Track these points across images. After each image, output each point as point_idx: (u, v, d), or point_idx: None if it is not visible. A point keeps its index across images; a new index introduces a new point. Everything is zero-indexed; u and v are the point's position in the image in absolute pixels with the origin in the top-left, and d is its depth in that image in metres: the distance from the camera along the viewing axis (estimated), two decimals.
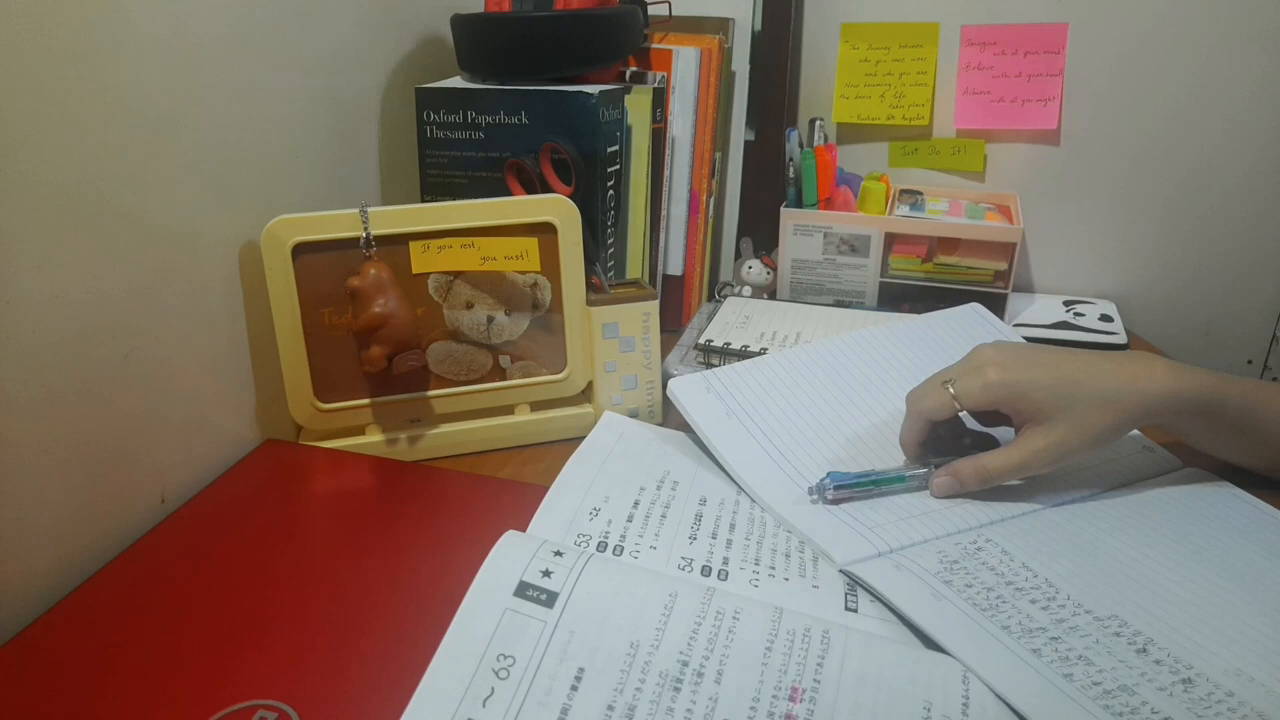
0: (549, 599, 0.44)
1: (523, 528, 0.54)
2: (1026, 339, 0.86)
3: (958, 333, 0.76)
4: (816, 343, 0.74)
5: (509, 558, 0.46)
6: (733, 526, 0.56)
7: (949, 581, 0.50)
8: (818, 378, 0.71)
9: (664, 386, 0.70)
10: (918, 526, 0.56)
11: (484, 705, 0.39)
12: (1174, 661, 0.44)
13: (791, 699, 0.41)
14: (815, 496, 0.59)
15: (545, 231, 0.67)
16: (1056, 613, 0.48)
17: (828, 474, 0.59)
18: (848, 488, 0.58)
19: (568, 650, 0.42)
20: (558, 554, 0.46)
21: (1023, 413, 0.57)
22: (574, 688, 0.41)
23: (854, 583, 0.51)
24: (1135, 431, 0.65)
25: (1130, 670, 0.44)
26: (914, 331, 0.76)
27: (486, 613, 0.43)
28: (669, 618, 0.44)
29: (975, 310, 0.78)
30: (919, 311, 0.86)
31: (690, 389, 0.68)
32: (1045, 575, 0.51)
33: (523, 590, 0.44)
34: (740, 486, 0.61)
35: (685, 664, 0.42)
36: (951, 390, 0.58)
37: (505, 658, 0.41)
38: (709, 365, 0.77)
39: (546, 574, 0.45)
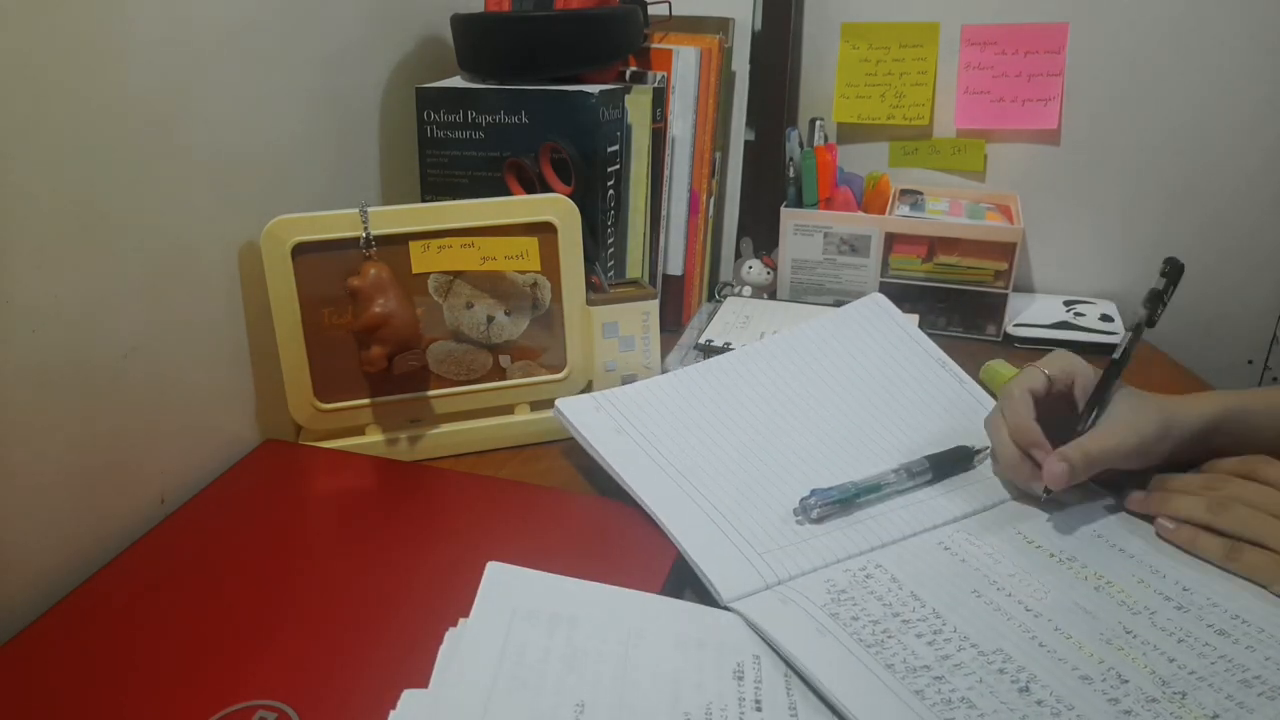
0: None
1: (523, 527, 0.54)
2: (1025, 339, 0.87)
3: (861, 328, 0.73)
4: (716, 359, 0.70)
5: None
6: None
7: (835, 615, 0.48)
8: (719, 394, 0.67)
9: None
10: (808, 553, 0.54)
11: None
12: (1055, 701, 0.43)
13: None
14: (800, 517, 0.56)
15: (545, 231, 0.67)
16: (942, 648, 0.47)
17: (811, 492, 0.56)
18: (834, 503, 0.56)
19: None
20: None
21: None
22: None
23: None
24: None
25: (1012, 713, 0.42)
26: (817, 335, 0.72)
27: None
28: None
29: (876, 301, 0.75)
30: (919, 312, 0.87)
31: (578, 409, 0.64)
32: (933, 605, 0.50)
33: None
34: (639, 504, 0.57)
35: None
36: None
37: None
38: None
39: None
